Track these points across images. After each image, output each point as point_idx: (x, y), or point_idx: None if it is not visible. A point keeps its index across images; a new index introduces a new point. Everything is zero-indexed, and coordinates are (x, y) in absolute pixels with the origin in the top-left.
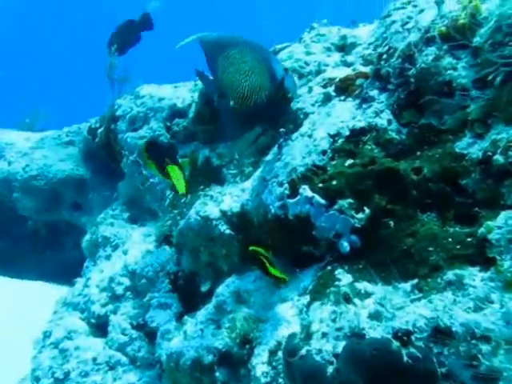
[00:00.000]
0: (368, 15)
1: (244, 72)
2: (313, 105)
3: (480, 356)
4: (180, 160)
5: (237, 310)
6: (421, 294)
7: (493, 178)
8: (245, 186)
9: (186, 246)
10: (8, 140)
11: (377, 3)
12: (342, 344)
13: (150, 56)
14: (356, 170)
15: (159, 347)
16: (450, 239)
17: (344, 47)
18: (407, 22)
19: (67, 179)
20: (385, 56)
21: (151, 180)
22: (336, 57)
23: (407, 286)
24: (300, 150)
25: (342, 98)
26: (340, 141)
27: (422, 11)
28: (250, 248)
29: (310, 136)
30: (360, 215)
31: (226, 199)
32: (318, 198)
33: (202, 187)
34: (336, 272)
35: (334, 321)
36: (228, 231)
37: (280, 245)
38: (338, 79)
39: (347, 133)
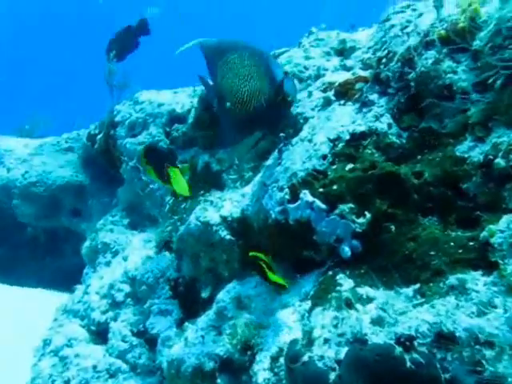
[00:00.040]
0: (367, 19)
1: (243, 77)
2: (312, 109)
3: (484, 361)
4: (180, 165)
5: (238, 316)
6: (423, 299)
7: (494, 182)
8: (245, 191)
9: (187, 252)
10: (7, 146)
11: (375, 7)
12: (344, 350)
13: (149, 62)
14: (356, 174)
15: (160, 354)
16: (451, 243)
17: (343, 51)
18: (406, 26)
19: (66, 186)
20: (384, 60)
21: (151, 186)
22: (335, 61)
23: (409, 290)
24: (300, 155)
25: (342, 102)
26: (340, 145)
27: (421, 15)
28: (250, 253)
29: (310, 140)
30: (361, 220)
31: (226, 204)
32: (318, 202)
33: (201, 192)
34: (337, 277)
35: (335, 326)
36: (228, 237)
37: (281, 250)
38: (337, 83)
39: (347, 137)
